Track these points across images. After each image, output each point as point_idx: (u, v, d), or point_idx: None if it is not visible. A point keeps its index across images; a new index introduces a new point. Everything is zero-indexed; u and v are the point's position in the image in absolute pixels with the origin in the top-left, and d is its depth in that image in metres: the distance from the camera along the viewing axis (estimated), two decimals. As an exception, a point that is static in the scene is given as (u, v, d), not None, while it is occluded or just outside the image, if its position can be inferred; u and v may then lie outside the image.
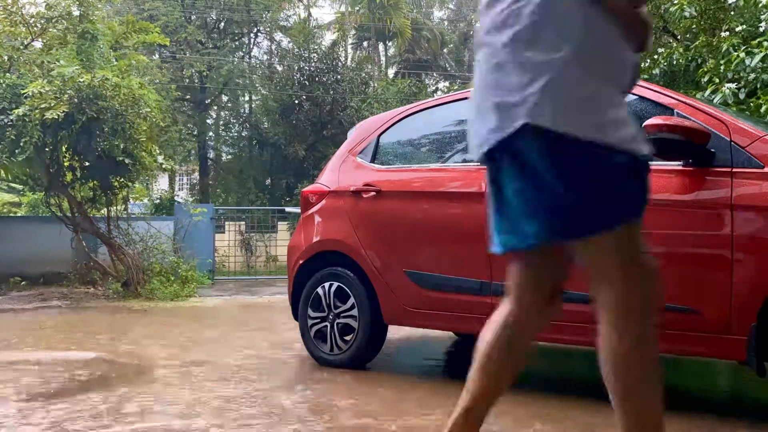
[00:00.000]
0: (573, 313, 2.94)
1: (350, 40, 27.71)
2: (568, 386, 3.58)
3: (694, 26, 6.52)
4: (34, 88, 7.45)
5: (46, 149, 8.27)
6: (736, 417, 2.75)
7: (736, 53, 5.05)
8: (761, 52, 4.80)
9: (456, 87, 28.41)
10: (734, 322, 2.54)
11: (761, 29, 5.14)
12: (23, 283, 10.03)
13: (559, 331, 3.03)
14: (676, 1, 6.37)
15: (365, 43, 27.81)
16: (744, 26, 5.63)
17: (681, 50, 6.39)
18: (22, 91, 7.69)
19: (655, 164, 2.77)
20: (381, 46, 28.79)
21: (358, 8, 26.21)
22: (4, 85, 8.12)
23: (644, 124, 2.67)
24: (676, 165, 2.74)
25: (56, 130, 7.89)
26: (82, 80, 7.55)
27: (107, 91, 7.83)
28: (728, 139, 2.65)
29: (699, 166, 2.68)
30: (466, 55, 34.26)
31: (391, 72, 29.26)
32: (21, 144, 7.74)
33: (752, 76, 4.87)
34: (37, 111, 7.45)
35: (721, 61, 5.22)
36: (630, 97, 3.02)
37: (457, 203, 3.43)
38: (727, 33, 5.70)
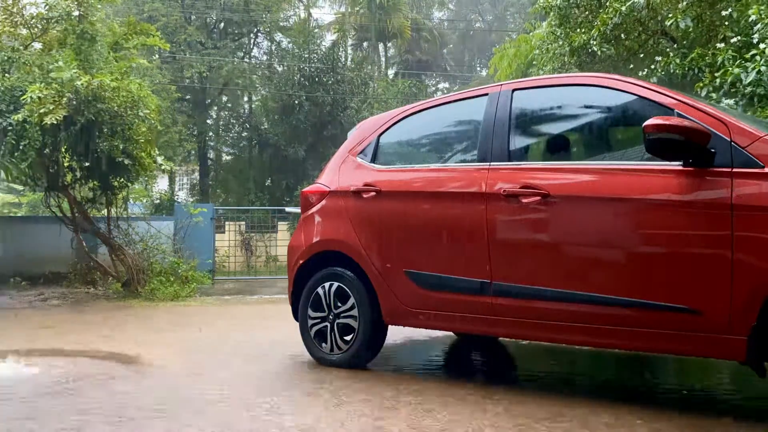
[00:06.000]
0: (573, 313, 2.96)
1: (350, 41, 27.69)
2: (571, 386, 3.58)
3: (691, 30, 6.53)
4: (33, 93, 7.45)
5: (46, 150, 8.28)
6: (736, 417, 2.75)
7: (730, 69, 5.07)
8: (755, 66, 4.82)
9: (456, 87, 28.43)
10: (734, 322, 2.54)
11: (755, 40, 5.15)
12: (23, 283, 10.03)
13: (560, 330, 3.04)
14: (671, 15, 6.38)
15: (365, 44, 27.79)
16: (738, 37, 5.65)
17: (678, 60, 6.40)
18: (21, 97, 7.70)
19: (655, 164, 2.79)
20: (381, 47, 28.77)
21: (358, 9, 26.20)
22: (2, 87, 8.12)
23: (644, 124, 2.68)
24: (676, 165, 2.73)
25: (56, 132, 7.89)
26: (80, 83, 7.55)
27: (106, 93, 7.83)
28: (728, 139, 2.65)
29: (699, 166, 2.67)
30: (465, 55, 34.29)
31: (390, 72, 29.25)
32: (21, 147, 7.75)
33: (749, 89, 4.90)
34: (36, 115, 7.45)
35: (717, 74, 5.25)
36: (630, 97, 3.04)
37: (457, 203, 3.43)
38: (722, 44, 5.70)
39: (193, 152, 21.82)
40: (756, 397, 3.24)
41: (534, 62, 10.04)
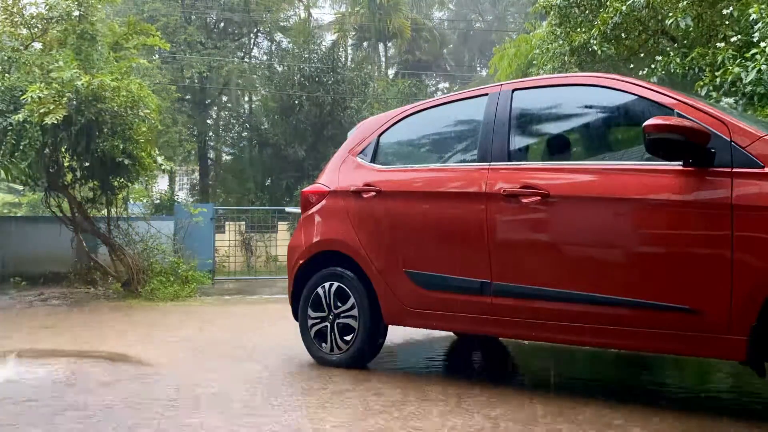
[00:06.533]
0: (573, 313, 2.96)
1: (350, 41, 27.69)
2: (571, 386, 3.58)
3: (691, 29, 6.53)
4: (33, 92, 7.45)
5: (46, 150, 8.28)
6: (736, 417, 2.75)
7: (731, 68, 5.08)
8: (756, 65, 4.83)
9: (456, 87, 28.42)
10: (734, 322, 2.54)
11: (755, 39, 5.16)
12: (23, 283, 10.03)
13: (560, 330, 3.04)
14: (671, 14, 6.39)
15: (365, 44, 27.80)
16: (739, 36, 5.66)
17: (678, 59, 6.40)
18: (21, 97, 7.70)
19: (655, 164, 2.79)
20: (381, 47, 28.77)
21: (358, 9, 26.20)
22: (2, 87, 8.12)
23: (644, 124, 2.67)
24: (676, 165, 2.73)
25: (56, 131, 7.89)
26: (80, 83, 7.55)
27: (106, 93, 7.83)
28: (728, 139, 2.64)
29: (699, 166, 2.67)
30: (465, 55, 34.28)
31: (391, 72, 29.25)
32: (21, 147, 7.75)
33: (749, 88, 4.90)
34: (36, 115, 7.45)
35: (717, 74, 5.25)
36: (630, 97, 3.04)
37: (457, 203, 3.43)
38: (723, 43, 5.71)
39: (193, 152, 21.82)
40: (756, 397, 3.24)
41: (534, 62, 10.03)
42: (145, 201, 15.22)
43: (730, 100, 4.95)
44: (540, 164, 3.32)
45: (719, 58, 5.47)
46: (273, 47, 24.45)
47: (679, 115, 2.77)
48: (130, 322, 6.29)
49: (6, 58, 8.62)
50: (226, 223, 13.83)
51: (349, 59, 23.57)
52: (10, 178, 10.60)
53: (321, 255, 3.99)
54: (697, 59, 6.16)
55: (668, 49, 7.28)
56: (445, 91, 28.51)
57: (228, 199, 21.20)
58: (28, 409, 2.94)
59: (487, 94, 3.55)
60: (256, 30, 22.99)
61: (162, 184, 20.14)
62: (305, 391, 3.31)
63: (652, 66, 6.70)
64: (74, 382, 3.52)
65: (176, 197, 20.51)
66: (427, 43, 29.12)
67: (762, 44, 4.93)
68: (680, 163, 2.72)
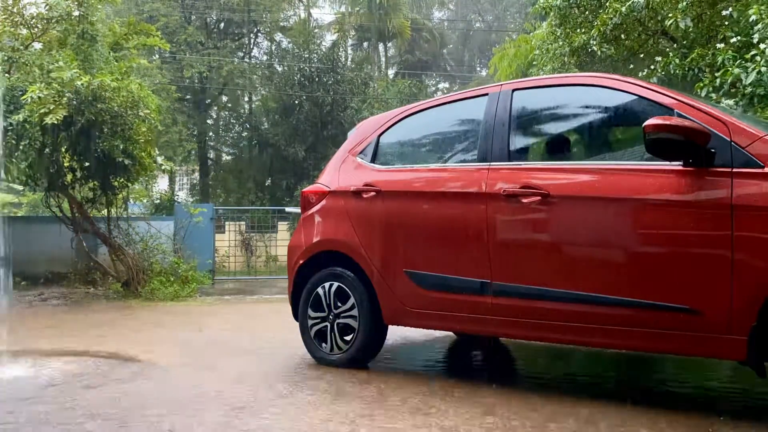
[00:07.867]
0: (573, 313, 2.96)
1: (350, 41, 27.70)
2: (571, 386, 3.58)
3: (691, 30, 6.54)
4: (33, 93, 7.45)
5: (46, 150, 8.28)
6: (736, 417, 2.75)
7: (730, 69, 5.09)
8: (755, 67, 4.84)
9: (456, 87, 28.42)
10: (734, 322, 2.54)
11: (755, 40, 5.17)
12: (23, 283, 10.02)
13: (560, 330, 3.04)
14: (671, 15, 6.40)
15: (365, 44, 27.80)
16: (739, 37, 5.67)
17: (678, 60, 6.41)
18: (22, 97, 7.70)
19: (655, 164, 2.79)
20: (381, 47, 28.77)
21: (358, 9, 26.20)
22: (2, 87, 8.12)
23: (644, 124, 2.68)
24: (676, 165, 2.74)
25: (56, 131, 7.90)
26: (80, 83, 7.55)
27: (106, 93, 7.83)
28: (728, 139, 2.65)
29: (699, 166, 2.68)
30: (465, 55, 34.29)
31: (391, 72, 29.25)
32: (21, 147, 7.75)
33: (749, 89, 4.91)
34: (36, 115, 7.45)
35: (717, 75, 5.26)
36: (630, 97, 3.04)
37: (457, 203, 3.43)
38: (723, 44, 5.72)
39: (193, 152, 21.82)
40: (756, 397, 3.24)
41: (534, 62, 10.05)
42: (145, 201, 15.22)
43: (730, 102, 4.96)
44: (540, 164, 3.32)
45: (719, 59, 5.48)
46: (273, 47, 24.46)
47: (679, 115, 2.77)
48: (130, 322, 6.29)
49: (6, 58, 8.62)
50: (226, 223, 13.83)
51: (349, 59, 23.59)
52: (10, 178, 10.59)
53: (321, 255, 4.00)
54: (696, 60, 6.17)
55: (668, 49, 7.29)
56: (445, 91, 28.51)
57: (228, 199, 21.21)
58: (26, 409, 2.94)
59: (487, 94, 3.55)
60: (256, 30, 23.01)
61: (162, 184, 20.15)
62: (304, 390, 3.31)
63: (652, 66, 6.71)
64: (73, 382, 3.52)
65: (176, 197, 20.53)
66: (427, 43, 29.13)
67: (762, 45, 4.93)
68: (680, 163, 2.72)
